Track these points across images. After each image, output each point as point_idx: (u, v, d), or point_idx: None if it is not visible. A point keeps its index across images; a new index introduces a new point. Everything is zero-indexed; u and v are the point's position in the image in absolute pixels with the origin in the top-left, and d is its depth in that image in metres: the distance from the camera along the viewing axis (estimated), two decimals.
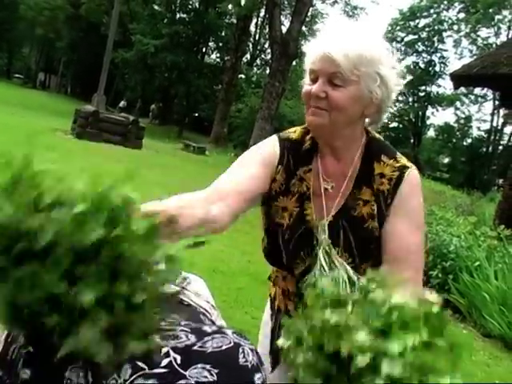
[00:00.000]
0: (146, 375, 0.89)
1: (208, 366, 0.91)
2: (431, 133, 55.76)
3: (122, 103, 38.79)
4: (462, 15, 46.28)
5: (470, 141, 51.30)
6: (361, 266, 1.53)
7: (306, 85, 1.55)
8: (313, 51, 1.51)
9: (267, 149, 1.65)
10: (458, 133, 52.04)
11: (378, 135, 1.67)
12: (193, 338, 0.97)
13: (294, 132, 1.70)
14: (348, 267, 1.52)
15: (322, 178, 1.60)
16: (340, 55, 1.42)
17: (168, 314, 0.95)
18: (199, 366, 0.91)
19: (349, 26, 1.56)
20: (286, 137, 1.68)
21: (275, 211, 1.62)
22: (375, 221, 1.53)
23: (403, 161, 1.59)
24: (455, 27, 48.75)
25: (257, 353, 0.99)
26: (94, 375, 0.88)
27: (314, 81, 1.52)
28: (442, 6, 47.72)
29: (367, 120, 1.62)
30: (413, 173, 1.57)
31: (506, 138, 48.38)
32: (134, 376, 0.89)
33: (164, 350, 0.93)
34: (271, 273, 1.82)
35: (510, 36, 41.81)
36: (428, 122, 54.42)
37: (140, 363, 0.90)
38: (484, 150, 48.37)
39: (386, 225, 1.53)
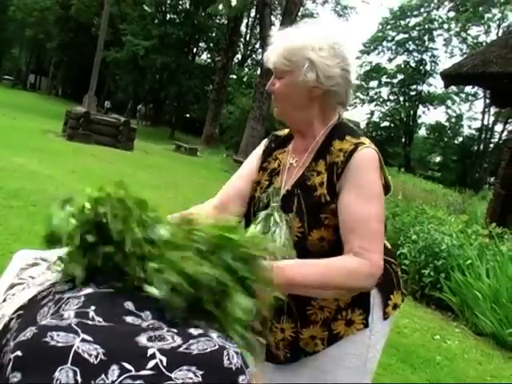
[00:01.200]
0: (133, 377, 0.90)
1: (193, 368, 0.93)
2: (422, 132, 56.11)
3: (107, 103, 38.70)
4: (452, 14, 46.46)
5: (461, 139, 51.60)
6: (310, 233, 1.61)
7: None
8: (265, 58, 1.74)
9: (260, 146, 1.92)
10: (449, 131, 52.30)
11: (351, 124, 1.76)
12: (179, 340, 0.99)
13: (287, 130, 1.89)
14: (284, 227, 1.64)
15: (289, 155, 1.78)
16: (273, 53, 1.66)
17: None
18: (184, 367, 0.93)
19: (288, 29, 1.71)
20: (277, 132, 1.92)
21: (252, 187, 1.82)
22: (323, 188, 1.62)
23: (364, 141, 1.64)
24: (445, 26, 49.01)
25: (242, 355, 1.02)
26: (83, 376, 0.88)
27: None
28: (433, 4, 47.89)
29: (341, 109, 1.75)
30: (367, 149, 1.61)
31: (497, 136, 48.68)
32: (122, 377, 0.90)
33: (150, 351, 0.94)
34: None
35: (499, 34, 42.02)
36: (419, 121, 54.77)
37: (127, 365, 0.92)
38: (475, 148, 48.59)
39: (339, 198, 1.60)
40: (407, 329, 5.42)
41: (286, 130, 1.87)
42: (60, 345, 0.92)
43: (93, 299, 1.15)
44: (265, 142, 1.92)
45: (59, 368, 0.88)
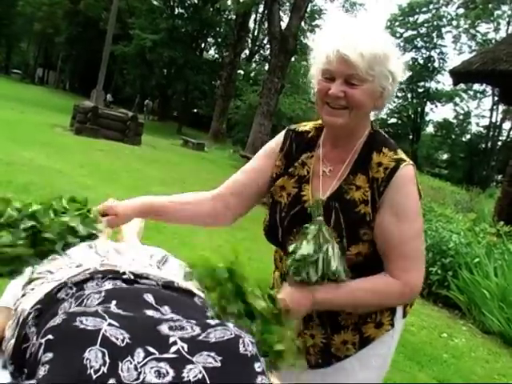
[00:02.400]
0: (157, 359, 0.95)
1: (213, 354, 0.99)
2: (430, 129, 55.87)
3: (108, 96, 38.71)
4: (461, 11, 46.21)
5: (468, 137, 51.38)
6: (349, 249, 1.59)
7: (321, 82, 1.61)
8: (326, 50, 1.56)
9: (273, 141, 1.84)
10: (456, 129, 52.08)
11: (381, 131, 1.75)
12: (197, 330, 1.04)
13: (304, 125, 1.82)
14: (335, 245, 1.56)
15: (321, 162, 1.70)
16: (357, 57, 1.50)
17: None
18: (204, 353, 0.98)
19: (356, 22, 1.65)
20: (294, 128, 1.82)
21: (275, 191, 1.75)
22: (368, 206, 1.59)
23: (402, 155, 1.64)
24: (454, 23, 48.75)
25: (256, 345, 1.07)
26: (111, 356, 0.93)
27: (329, 79, 1.59)
28: (441, 1, 47.66)
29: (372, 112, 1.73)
30: (409, 167, 1.61)
31: (505, 133, 48.50)
32: (147, 359, 0.95)
33: (172, 339, 1.00)
34: (273, 254, 1.90)
35: (509, 31, 41.83)
36: (427, 118, 54.53)
37: (151, 348, 0.97)
38: (483, 145, 48.41)
39: (378, 215, 1.59)
40: (414, 326, 5.42)
41: (307, 126, 1.80)
42: (89, 328, 0.97)
43: (114, 294, 1.17)
44: (281, 138, 1.81)
45: (89, 349, 0.93)
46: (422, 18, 50.22)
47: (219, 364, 0.97)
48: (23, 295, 1.40)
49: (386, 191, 1.57)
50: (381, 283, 1.58)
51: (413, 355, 4.60)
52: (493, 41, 41.51)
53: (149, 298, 1.17)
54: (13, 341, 1.23)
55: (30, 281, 1.46)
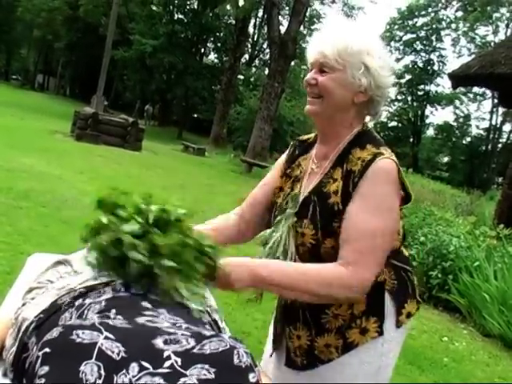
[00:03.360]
0: (151, 374, 0.97)
1: (206, 366, 1.00)
2: (430, 132, 55.85)
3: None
4: (459, 13, 46.31)
5: (469, 139, 51.38)
6: (324, 242, 1.62)
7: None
8: (310, 48, 1.71)
9: (283, 154, 1.95)
10: (457, 131, 52.08)
11: (375, 133, 1.75)
12: (192, 342, 1.05)
13: (309, 135, 1.92)
14: (285, 234, 1.69)
15: (311, 161, 1.78)
16: (327, 46, 1.62)
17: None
18: (198, 366, 1.00)
19: (344, 23, 1.77)
20: (299, 138, 1.94)
21: (275, 193, 1.85)
22: (338, 196, 1.62)
23: (384, 151, 1.63)
24: (453, 26, 48.82)
25: (251, 355, 1.08)
26: (106, 370, 0.95)
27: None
28: (440, 4, 47.74)
29: (368, 118, 1.78)
30: (386, 160, 1.60)
31: (505, 136, 48.51)
32: (141, 373, 0.96)
33: (166, 353, 1.01)
34: None
35: (508, 34, 41.88)
36: (427, 121, 54.52)
37: (145, 363, 0.98)
38: (483, 148, 48.43)
39: (347, 207, 1.60)
40: (415, 330, 5.43)
41: (312, 135, 1.88)
42: (85, 341, 0.98)
43: (113, 303, 1.19)
44: (290, 146, 1.94)
45: (84, 362, 0.95)
46: (421, 21, 50.32)
47: (213, 376, 0.98)
48: (23, 304, 1.41)
49: (359, 183, 1.58)
50: (329, 271, 1.56)
51: (413, 359, 4.60)
52: (492, 43, 41.58)
53: (146, 304, 1.19)
54: (13, 350, 1.24)
55: (31, 290, 1.48)
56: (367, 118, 1.78)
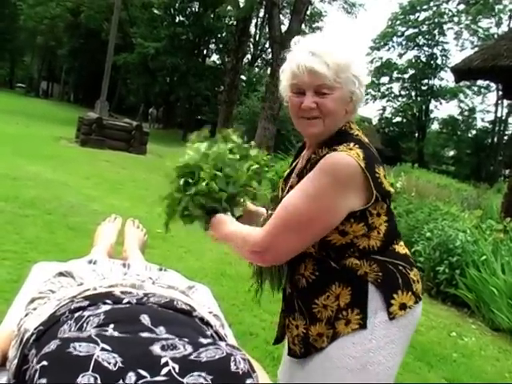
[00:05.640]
0: (148, 382, 0.98)
1: (203, 374, 1.01)
2: (435, 126, 55.65)
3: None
4: (461, 7, 46.14)
5: (474, 132, 51.15)
6: None
7: (292, 98, 1.77)
8: (291, 66, 1.72)
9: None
10: (462, 125, 51.88)
11: (354, 129, 1.78)
12: (189, 349, 1.06)
13: None
14: None
15: (300, 162, 1.89)
16: (323, 67, 1.64)
17: None
18: (195, 373, 1.01)
19: (315, 37, 1.78)
20: (304, 141, 1.97)
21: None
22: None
23: (344, 148, 1.65)
24: (456, 19, 48.63)
25: (249, 361, 1.10)
26: (103, 381, 0.96)
27: (299, 94, 1.73)
28: None
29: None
30: (339, 155, 1.62)
31: (510, 128, 48.28)
32: (139, 383, 0.97)
33: (163, 360, 1.02)
34: None
35: (511, 26, 41.71)
36: (432, 116, 54.31)
37: (142, 371, 0.99)
38: (489, 141, 48.20)
39: None
40: (423, 326, 5.42)
41: None
42: (82, 354, 0.99)
43: (112, 316, 1.20)
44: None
45: (81, 375, 0.96)
46: (423, 15, 50.12)
47: (210, 383, 0.99)
48: (26, 315, 1.43)
49: (311, 170, 1.67)
50: (250, 232, 1.76)
51: (422, 356, 4.59)
52: (495, 35, 41.36)
53: (145, 319, 1.19)
54: (15, 361, 1.26)
55: (33, 300, 1.49)
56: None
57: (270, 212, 1.89)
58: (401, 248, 1.80)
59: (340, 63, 1.65)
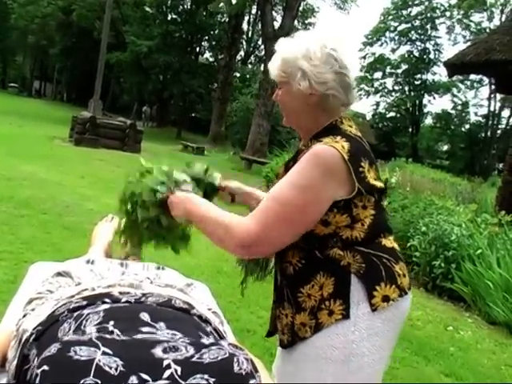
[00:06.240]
0: None
1: (206, 376, 0.99)
2: (429, 121, 55.83)
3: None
4: (454, 1, 46.20)
5: (468, 127, 51.31)
6: None
7: None
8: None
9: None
10: (455, 119, 52.03)
11: (345, 124, 1.82)
12: (191, 350, 1.05)
13: None
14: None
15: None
16: (272, 67, 1.84)
17: None
18: (198, 376, 0.99)
19: (284, 41, 1.87)
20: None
21: None
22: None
23: (330, 141, 1.69)
24: (448, 13, 48.72)
25: (252, 361, 1.08)
26: None
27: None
28: None
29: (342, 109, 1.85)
30: (324, 147, 1.66)
31: (504, 121, 48.41)
32: None
33: (165, 362, 1.01)
34: None
35: (503, 20, 41.75)
36: (425, 110, 54.51)
37: (144, 375, 0.98)
38: (483, 135, 48.34)
39: None
40: (420, 321, 5.44)
41: None
42: (83, 358, 0.98)
43: (112, 314, 1.19)
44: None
45: (82, 380, 0.94)
46: (415, 10, 50.22)
47: None
48: (24, 315, 1.42)
49: (298, 162, 1.71)
50: (236, 221, 1.69)
51: (419, 350, 4.61)
52: (487, 29, 41.45)
53: (145, 316, 1.19)
54: (15, 362, 1.25)
55: (31, 301, 1.49)
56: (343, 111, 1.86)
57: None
58: (388, 242, 1.80)
59: (285, 58, 1.78)
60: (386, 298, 1.71)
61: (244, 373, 1.04)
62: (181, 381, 0.98)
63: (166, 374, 0.98)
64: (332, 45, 1.75)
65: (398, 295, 1.74)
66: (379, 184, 1.75)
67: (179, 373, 0.99)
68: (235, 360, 1.05)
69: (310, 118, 1.82)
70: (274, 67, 1.82)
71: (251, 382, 1.04)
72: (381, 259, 1.73)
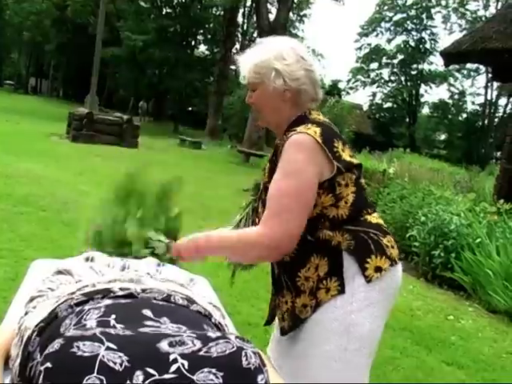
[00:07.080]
0: (156, 381, 0.95)
1: (214, 370, 0.98)
2: (426, 110, 55.82)
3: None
4: None
5: (465, 116, 51.33)
6: None
7: None
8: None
9: None
10: (452, 108, 52.03)
11: (314, 114, 1.96)
12: (198, 344, 1.03)
13: None
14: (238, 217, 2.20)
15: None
16: (245, 71, 1.95)
17: None
18: (205, 370, 0.98)
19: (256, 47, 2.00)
20: None
21: None
22: (265, 172, 1.96)
23: (304, 128, 1.82)
24: (443, 2, 48.64)
25: (259, 355, 1.07)
26: (109, 383, 0.93)
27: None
28: None
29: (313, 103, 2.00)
30: (298, 135, 1.80)
31: (501, 110, 48.40)
32: (147, 382, 0.94)
33: (172, 356, 0.99)
34: None
35: (498, 8, 41.63)
36: (422, 100, 54.52)
37: (150, 370, 0.96)
38: (480, 123, 48.33)
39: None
40: (420, 311, 5.46)
41: None
42: (86, 354, 0.96)
43: (113, 309, 1.19)
44: None
45: (86, 377, 0.93)
46: (410, 0, 50.07)
47: (221, 380, 0.97)
48: (26, 313, 1.42)
49: (281, 156, 1.81)
50: (246, 232, 1.89)
51: (420, 339, 4.63)
52: (483, 18, 41.37)
53: (147, 312, 1.19)
54: (18, 360, 1.25)
55: (32, 299, 1.49)
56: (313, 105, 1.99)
57: (251, 198, 2.19)
58: (373, 218, 1.90)
59: (257, 62, 1.90)
60: (378, 269, 1.82)
61: (252, 367, 1.02)
62: (188, 375, 0.96)
63: (173, 368, 0.97)
64: (297, 46, 1.93)
65: (389, 265, 1.84)
66: (355, 161, 1.88)
67: (186, 367, 0.97)
68: (243, 354, 1.03)
69: (285, 114, 1.93)
70: (246, 71, 1.93)
71: (259, 376, 1.02)
72: (368, 234, 1.84)
